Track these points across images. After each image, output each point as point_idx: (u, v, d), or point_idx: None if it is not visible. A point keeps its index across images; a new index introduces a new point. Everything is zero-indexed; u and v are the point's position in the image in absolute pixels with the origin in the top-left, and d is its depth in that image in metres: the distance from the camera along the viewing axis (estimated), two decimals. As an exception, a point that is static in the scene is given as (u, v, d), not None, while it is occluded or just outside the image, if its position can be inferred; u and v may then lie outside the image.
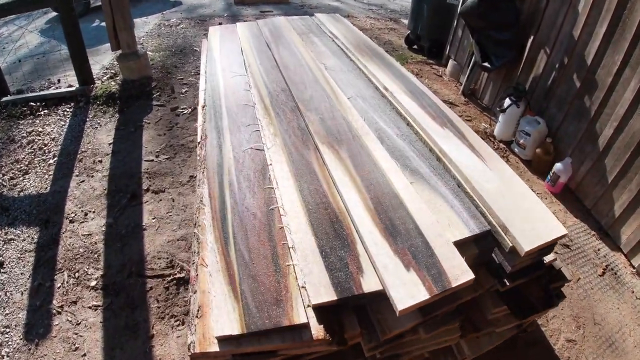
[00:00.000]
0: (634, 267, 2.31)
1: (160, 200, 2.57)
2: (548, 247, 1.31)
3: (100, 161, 2.93)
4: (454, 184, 1.47)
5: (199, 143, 1.81)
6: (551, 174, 2.76)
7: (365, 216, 1.26)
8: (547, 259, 1.40)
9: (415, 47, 5.50)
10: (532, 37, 3.12)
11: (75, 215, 2.48)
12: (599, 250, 2.41)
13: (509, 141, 3.35)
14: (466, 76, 4.08)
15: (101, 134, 3.24)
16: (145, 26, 5.64)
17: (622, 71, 2.31)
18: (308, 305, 1.07)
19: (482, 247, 1.28)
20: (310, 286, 1.09)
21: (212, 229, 1.29)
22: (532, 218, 1.29)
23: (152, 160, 2.92)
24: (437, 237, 1.20)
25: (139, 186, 2.68)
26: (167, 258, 2.20)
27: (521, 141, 3.05)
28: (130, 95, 3.71)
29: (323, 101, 1.96)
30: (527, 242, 1.20)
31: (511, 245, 1.23)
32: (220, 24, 5.88)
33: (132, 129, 3.30)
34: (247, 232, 1.27)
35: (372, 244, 1.17)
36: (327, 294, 1.07)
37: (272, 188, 1.44)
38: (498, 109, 3.30)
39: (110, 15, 3.42)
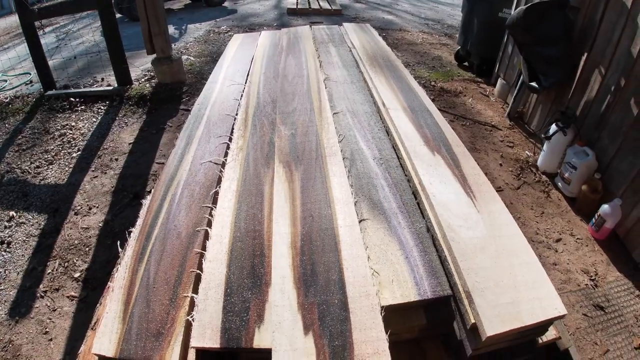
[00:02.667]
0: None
1: (157, 202, 2.61)
2: (538, 328, 1.01)
3: (117, 159, 3.06)
4: (422, 227, 1.21)
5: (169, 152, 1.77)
6: (596, 216, 2.33)
7: (286, 254, 1.09)
8: (546, 336, 1.08)
9: (465, 64, 5.12)
10: (585, 55, 2.70)
11: (81, 208, 2.60)
12: (640, 316, 1.95)
13: (553, 173, 2.90)
14: (513, 97, 3.66)
15: (125, 133, 3.40)
16: (195, 32, 5.93)
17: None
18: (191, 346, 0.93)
19: (433, 317, 1.03)
20: (197, 325, 0.95)
21: (134, 243, 1.21)
22: (518, 286, 1.00)
23: (163, 163, 2.98)
24: (362, 296, 0.98)
25: (143, 187, 2.74)
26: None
27: (566, 175, 2.62)
28: (160, 98, 3.86)
29: (303, 114, 1.82)
30: (494, 323, 0.91)
31: (473, 321, 0.95)
32: (266, 32, 6.00)
33: (154, 131, 3.41)
34: (163, 252, 1.16)
35: (278, 291, 1.00)
36: (211, 339, 0.92)
37: (210, 207, 1.33)
38: (543, 135, 2.88)
39: (146, 20, 3.60)
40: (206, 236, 1.21)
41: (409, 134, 1.62)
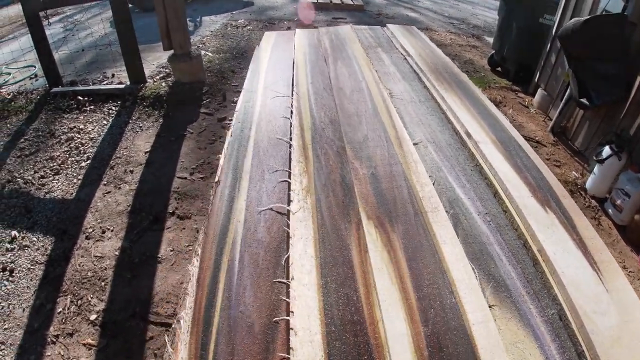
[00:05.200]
0: None
1: (184, 228, 2.26)
2: None
3: (132, 171, 2.71)
4: (554, 314, 0.96)
5: (213, 190, 1.43)
6: None
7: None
8: None
9: (499, 69, 4.81)
10: None
11: (93, 231, 2.26)
12: None
13: (601, 198, 2.71)
14: (558, 111, 3.42)
15: (140, 139, 3.05)
16: (212, 25, 5.54)
17: None
18: None
19: None
20: None
21: (188, 337, 0.89)
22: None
23: (185, 178, 2.64)
24: None
25: (164, 207, 2.40)
26: (176, 303, 1.87)
27: (618, 202, 2.45)
28: (178, 99, 3.51)
29: (380, 146, 1.49)
30: None
31: None
32: (288, 28, 5.61)
33: (173, 138, 3.06)
34: (234, 355, 0.84)
35: None
36: None
37: (285, 283, 1.00)
38: (595, 158, 2.68)
39: (163, 14, 3.22)
40: (288, 330, 0.88)
41: (511, 180, 1.32)
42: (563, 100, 3.31)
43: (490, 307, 0.96)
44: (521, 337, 0.90)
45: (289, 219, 1.19)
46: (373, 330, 0.90)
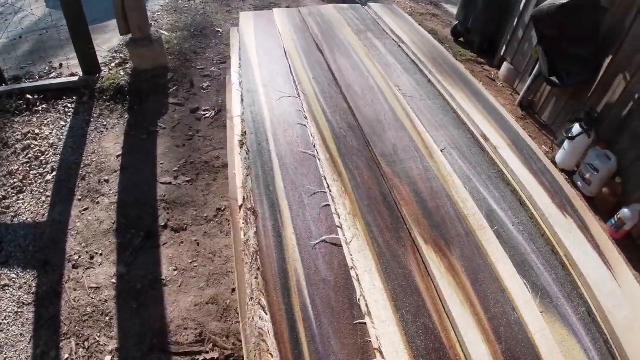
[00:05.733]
0: None
1: (182, 242, 2.10)
2: None
3: (107, 181, 2.44)
4: (584, 311, 1.08)
5: (243, 218, 1.31)
6: (616, 218, 2.46)
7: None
8: None
9: (461, 39, 4.86)
10: (610, 57, 2.68)
11: (79, 257, 2.03)
12: None
13: (570, 171, 2.96)
14: (526, 86, 3.59)
15: (108, 140, 2.74)
16: (159, -2, 4.98)
17: None
18: None
19: None
20: None
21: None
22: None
23: (170, 184, 2.43)
24: None
25: (154, 220, 2.20)
26: (195, 328, 1.77)
27: (587, 175, 2.70)
28: (142, 90, 3.17)
29: (412, 157, 1.44)
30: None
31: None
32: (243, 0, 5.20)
33: (144, 136, 2.79)
34: None
35: None
36: None
37: (364, 323, 0.97)
38: (565, 134, 2.90)
39: (120, -6, 2.82)
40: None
41: (532, 186, 1.39)
42: (531, 77, 3.43)
43: (541, 313, 1.04)
44: (565, 336, 1.00)
45: (345, 249, 1.14)
46: (454, 354, 0.92)
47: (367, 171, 1.40)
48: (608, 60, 2.68)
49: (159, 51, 3.32)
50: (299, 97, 1.77)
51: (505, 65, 4.12)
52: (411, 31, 2.47)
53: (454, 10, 6.10)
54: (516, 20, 3.84)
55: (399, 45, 2.31)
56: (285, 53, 2.16)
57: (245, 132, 1.62)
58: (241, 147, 1.63)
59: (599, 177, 2.60)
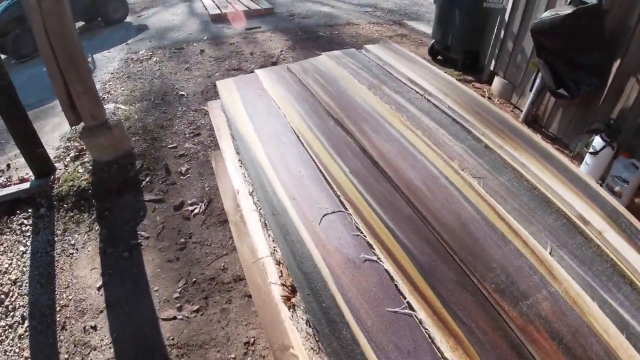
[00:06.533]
0: None
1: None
2: None
3: (94, 327, 1.86)
4: None
5: None
6: None
7: None
8: None
9: (439, 58, 4.67)
10: (618, 61, 2.55)
11: None
12: None
13: None
14: (529, 101, 3.38)
15: (81, 266, 2.14)
16: (109, 64, 4.40)
17: None
18: None
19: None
20: None
21: None
22: None
23: (175, 318, 1.87)
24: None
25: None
26: None
27: (617, 188, 2.55)
28: (109, 189, 2.59)
29: (532, 284, 1.03)
30: None
31: None
32: (202, 50, 4.73)
33: (125, 253, 2.21)
34: None
35: None
36: None
37: None
38: (587, 150, 2.71)
39: (61, 78, 2.25)
40: None
41: None
42: (534, 90, 3.26)
43: None
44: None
45: None
46: None
47: (486, 318, 0.97)
48: (616, 65, 2.55)
49: (120, 136, 2.76)
50: (346, 210, 1.31)
51: (498, 80, 3.93)
52: (436, 80, 2.09)
53: (419, 26, 5.95)
54: (503, 32, 3.65)
55: (428, 100, 1.93)
56: (294, 131, 1.72)
57: (292, 286, 1.13)
58: (291, 310, 1.14)
59: (630, 188, 2.46)
